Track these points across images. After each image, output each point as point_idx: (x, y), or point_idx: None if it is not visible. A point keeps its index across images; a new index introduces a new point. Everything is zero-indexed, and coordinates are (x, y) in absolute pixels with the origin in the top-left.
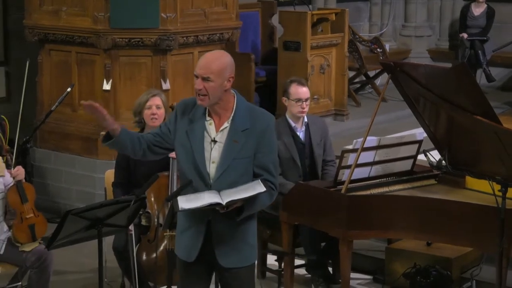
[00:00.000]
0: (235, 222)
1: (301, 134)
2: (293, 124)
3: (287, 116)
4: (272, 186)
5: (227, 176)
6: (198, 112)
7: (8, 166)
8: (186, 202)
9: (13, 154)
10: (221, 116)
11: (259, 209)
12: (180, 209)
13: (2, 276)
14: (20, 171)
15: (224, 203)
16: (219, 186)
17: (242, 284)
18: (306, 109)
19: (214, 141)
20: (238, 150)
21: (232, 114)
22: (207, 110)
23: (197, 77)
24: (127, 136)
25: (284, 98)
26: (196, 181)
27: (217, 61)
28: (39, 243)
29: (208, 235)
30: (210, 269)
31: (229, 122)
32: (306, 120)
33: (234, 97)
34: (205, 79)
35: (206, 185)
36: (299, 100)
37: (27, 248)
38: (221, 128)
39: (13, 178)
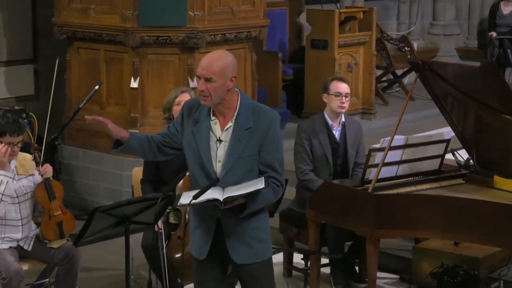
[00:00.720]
0: (245, 218)
1: (336, 133)
2: (330, 122)
3: (325, 112)
4: (276, 183)
5: (232, 174)
6: (203, 112)
7: (36, 164)
8: (186, 198)
9: (41, 152)
10: (225, 115)
11: (263, 205)
12: (178, 204)
13: (30, 272)
14: (48, 169)
15: (221, 199)
16: (225, 184)
17: (258, 280)
18: (346, 105)
19: (220, 140)
20: (242, 149)
21: (236, 113)
22: (211, 110)
23: (199, 77)
24: (135, 140)
25: (324, 95)
26: (203, 180)
27: (218, 62)
28: (67, 240)
29: (219, 232)
30: (224, 266)
31: (233, 121)
32: (343, 119)
33: (238, 95)
34: (207, 79)
35: (212, 183)
36: (338, 94)
37: (55, 245)
38: (225, 127)
39: (41, 175)
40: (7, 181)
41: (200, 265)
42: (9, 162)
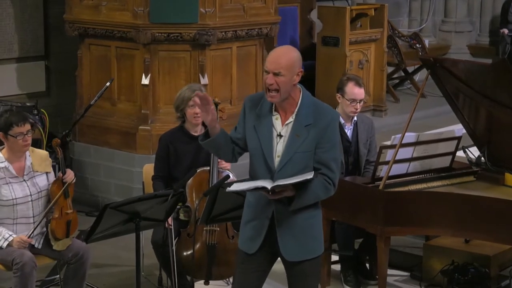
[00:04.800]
0: (299, 215)
1: (348, 132)
2: (342, 121)
3: (338, 111)
4: (328, 180)
5: (288, 169)
6: (265, 107)
7: (56, 160)
8: (236, 186)
9: (60, 149)
10: (287, 111)
11: (313, 201)
12: (227, 190)
13: (40, 268)
14: (71, 176)
15: (269, 187)
16: (280, 178)
17: (306, 276)
18: (359, 110)
19: (280, 135)
20: (300, 144)
21: (297, 109)
22: (273, 105)
23: (267, 72)
24: (222, 138)
25: (339, 95)
26: (264, 174)
27: (286, 56)
28: (71, 240)
29: (272, 227)
30: (272, 260)
31: (294, 116)
32: (355, 118)
33: (300, 91)
34: (276, 74)
35: (271, 178)
36: (353, 100)
37: (60, 247)
38: (286, 122)
39: (62, 180)
40: None
41: (247, 257)
42: (25, 157)
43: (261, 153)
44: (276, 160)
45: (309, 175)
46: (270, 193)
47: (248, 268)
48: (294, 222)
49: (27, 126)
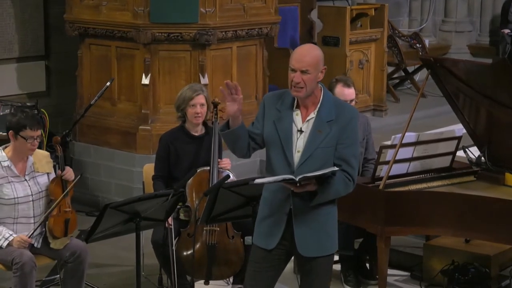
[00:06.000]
0: (316, 211)
1: None
2: None
3: None
4: (348, 177)
5: (309, 164)
6: (286, 103)
7: (56, 157)
8: (262, 179)
9: (60, 147)
10: (309, 107)
11: (334, 197)
12: (255, 182)
13: (40, 268)
14: (70, 173)
15: (297, 179)
16: (301, 173)
17: (319, 273)
18: None
19: (301, 131)
20: (322, 140)
21: (319, 106)
22: (295, 101)
23: (294, 70)
24: (242, 131)
25: None
26: (282, 169)
27: (311, 54)
28: (70, 239)
29: (290, 223)
30: (286, 259)
31: (315, 113)
32: None
33: (321, 90)
34: (303, 72)
35: (291, 173)
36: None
37: (58, 246)
38: (307, 119)
39: (61, 177)
40: None
41: (264, 254)
42: (27, 157)
43: (280, 147)
44: (296, 155)
45: (334, 168)
46: (298, 184)
47: (263, 267)
48: (312, 218)
49: (39, 132)
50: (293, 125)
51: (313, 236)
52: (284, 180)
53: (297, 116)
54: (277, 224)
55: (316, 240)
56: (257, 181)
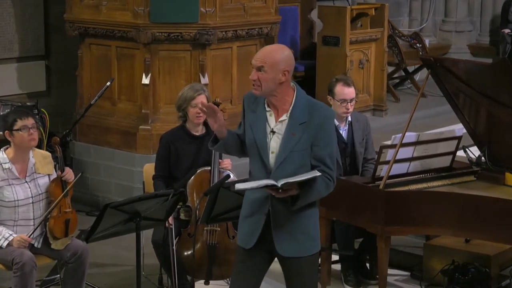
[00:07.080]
0: (296, 213)
1: (343, 133)
2: (336, 123)
3: None
4: (328, 177)
5: (286, 167)
6: (259, 103)
7: (55, 159)
8: (242, 184)
9: (59, 148)
10: (279, 108)
11: (315, 199)
12: (236, 189)
13: (40, 268)
14: (69, 174)
15: (279, 185)
16: (278, 176)
17: (302, 274)
18: (351, 109)
19: (273, 131)
20: (296, 143)
21: (291, 108)
22: (265, 101)
23: (253, 67)
24: (230, 139)
25: (329, 97)
26: (259, 170)
27: (272, 54)
28: (70, 239)
29: (268, 224)
30: (269, 260)
31: (288, 115)
32: (349, 119)
33: (294, 90)
34: (258, 68)
35: (267, 173)
36: (344, 101)
37: (59, 246)
38: (279, 119)
39: (61, 178)
40: None
41: (245, 253)
42: (28, 158)
43: (255, 148)
44: (271, 156)
45: (315, 173)
46: (280, 190)
47: (245, 266)
48: (290, 219)
49: (31, 120)
50: (267, 125)
51: (292, 237)
52: (266, 186)
53: (271, 117)
54: (256, 224)
55: (295, 240)
56: (238, 186)
